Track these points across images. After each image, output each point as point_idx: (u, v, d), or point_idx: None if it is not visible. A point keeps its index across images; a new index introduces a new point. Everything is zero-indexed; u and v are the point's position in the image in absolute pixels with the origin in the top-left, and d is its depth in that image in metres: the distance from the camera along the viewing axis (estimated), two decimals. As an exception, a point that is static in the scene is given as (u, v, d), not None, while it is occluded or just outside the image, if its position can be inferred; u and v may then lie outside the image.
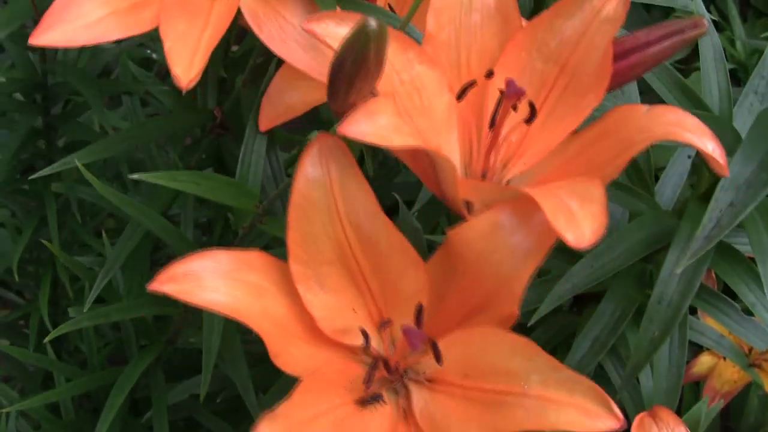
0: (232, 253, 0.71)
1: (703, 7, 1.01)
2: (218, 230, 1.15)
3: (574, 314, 1.09)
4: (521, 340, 0.68)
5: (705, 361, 1.34)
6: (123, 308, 1.10)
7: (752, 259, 0.88)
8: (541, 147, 0.80)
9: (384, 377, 0.75)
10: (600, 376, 1.03)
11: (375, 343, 0.74)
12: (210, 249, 0.71)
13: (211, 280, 0.69)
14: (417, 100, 0.79)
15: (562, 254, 1.05)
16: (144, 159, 1.24)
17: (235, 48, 1.15)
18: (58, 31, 0.86)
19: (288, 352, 0.71)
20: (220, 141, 1.15)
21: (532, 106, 0.77)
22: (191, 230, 1.13)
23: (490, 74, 0.79)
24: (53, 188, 1.25)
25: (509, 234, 0.68)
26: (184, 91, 0.81)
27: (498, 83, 0.80)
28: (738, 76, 1.96)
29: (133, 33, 0.88)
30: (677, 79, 0.94)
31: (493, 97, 0.79)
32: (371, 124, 0.68)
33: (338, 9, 0.82)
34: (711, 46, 0.97)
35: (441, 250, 0.73)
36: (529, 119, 0.78)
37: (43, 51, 1.18)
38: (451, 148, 0.81)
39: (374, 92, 0.73)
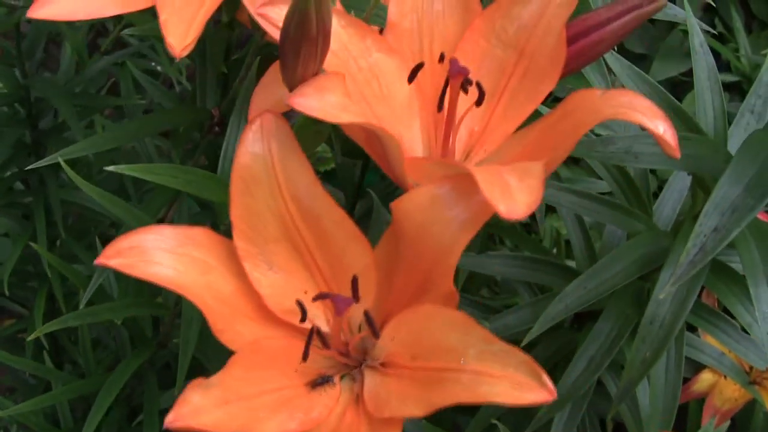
0: (178, 229, 0.73)
1: (694, 19, 1.01)
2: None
3: (574, 331, 1.09)
4: (458, 315, 0.69)
5: (706, 378, 1.32)
6: (113, 308, 1.11)
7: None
8: (503, 133, 0.82)
9: (339, 362, 0.76)
10: (598, 391, 1.04)
11: (314, 315, 0.75)
12: (156, 225, 0.73)
13: (156, 254, 0.71)
14: (376, 87, 0.81)
15: (563, 272, 1.06)
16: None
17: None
18: (57, 5, 0.87)
19: (234, 329, 0.73)
20: (220, 143, 1.17)
21: (479, 86, 0.79)
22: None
23: (441, 58, 0.81)
24: (54, 193, 1.28)
25: (447, 207, 0.69)
26: (177, 59, 0.84)
27: (455, 68, 0.81)
28: (743, 88, 1.95)
29: (132, 9, 0.89)
30: (670, 100, 0.95)
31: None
32: (320, 100, 0.70)
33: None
34: (705, 65, 0.97)
35: (388, 229, 0.74)
36: (479, 101, 0.79)
37: (23, 66, 1.21)
38: (413, 136, 0.83)
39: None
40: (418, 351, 0.72)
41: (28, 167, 1.06)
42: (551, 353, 1.09)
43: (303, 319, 0.74)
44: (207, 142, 1.17)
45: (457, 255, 0.68)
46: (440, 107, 0.80)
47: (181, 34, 0.83)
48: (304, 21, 0.70)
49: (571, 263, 1.18)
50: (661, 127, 0.71)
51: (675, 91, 2.34)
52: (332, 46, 0.78)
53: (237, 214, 0.73)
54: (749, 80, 1.86)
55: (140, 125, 1.10)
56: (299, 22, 0.70)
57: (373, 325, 0.72)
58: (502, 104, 0.82)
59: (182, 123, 1.12)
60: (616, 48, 0.94)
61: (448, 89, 0.79)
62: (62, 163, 0.99)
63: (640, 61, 2.37)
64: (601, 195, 0.99)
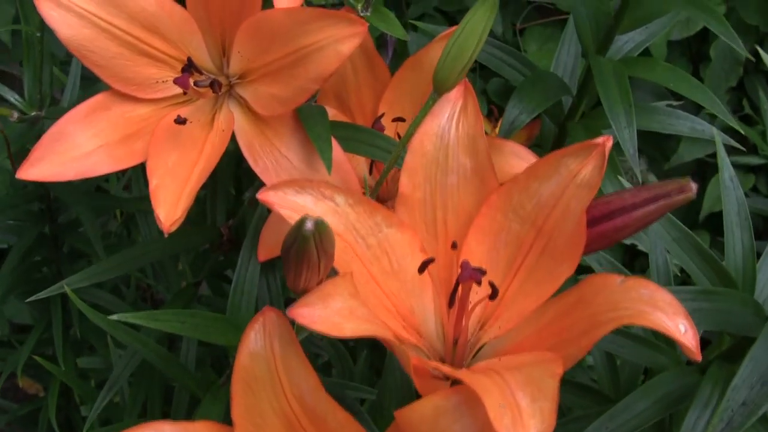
0: (178, 425, 0.74)
1: (723, 150, 1.01)
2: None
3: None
4: None
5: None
6: (120, 428, 1.13)
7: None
8: (518, 310, 0.82)
9: None
10: None
11: None
12: (155, 422, 0.73)
13: (155, 456, 0.73)
14: (386, 262, 0.82)
15: (583, 392, 1.07)
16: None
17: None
18: (47, 165, 0.89)
19: None
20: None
21: (492, 286, 0.79)
22: (194, 352, 1.15)
23: (454, 245, 0.81)
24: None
25: (452, 420, 0.69)
26: (165, 235, 0.85)
27: (470, 245, 0.82)
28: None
29: (124, 166, 0.92)
30: (700, 247, 0.97)
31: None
32: (324, 308, 0.70)
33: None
34: (735, 201, 0.99)
35: (391, 427, 0.74)
36: (492, 296, 0.79)
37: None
38: (425, 307, 0.84)
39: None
40: None
41: (40, 295, 1.07)
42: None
43: None
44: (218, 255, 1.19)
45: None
46: (451, 304, 0.80)
47: (171, 202, 0.84)
48: (304, 250, 0.71)
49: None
50: (682, 327, 0.71)
51: (701, 172, 2.33)
52: (338, 228, 0.79)
53: (239, 413, 0.74)
54: (776, 162, 1.87)
55: (146, 250, 1.11)
56: (299, 251, 0.71)
57: None
58: (518, 279, 0.82)
59: (191, 246, 1.13)
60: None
61: (459, 287, 0.79)
62: (69, 292, 1.00)
63: (666, 141, 2.36)
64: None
